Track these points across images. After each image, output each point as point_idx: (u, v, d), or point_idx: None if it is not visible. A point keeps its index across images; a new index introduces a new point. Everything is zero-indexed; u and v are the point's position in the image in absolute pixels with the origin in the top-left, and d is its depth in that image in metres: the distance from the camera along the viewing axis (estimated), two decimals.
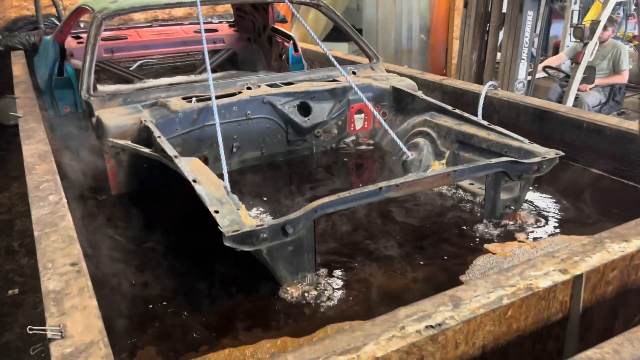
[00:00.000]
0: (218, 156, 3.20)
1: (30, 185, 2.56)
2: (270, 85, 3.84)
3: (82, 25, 7.30)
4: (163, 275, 2.60)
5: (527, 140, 3.00)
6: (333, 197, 2.34)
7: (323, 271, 2.50)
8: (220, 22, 6.72)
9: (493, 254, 2.56)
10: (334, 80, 4.01)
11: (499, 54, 6.49)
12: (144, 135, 3.21)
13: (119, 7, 3.93)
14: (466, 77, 6.65)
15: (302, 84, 3.83)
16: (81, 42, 6.00)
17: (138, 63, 7.07)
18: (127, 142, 3.14)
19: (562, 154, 2.85)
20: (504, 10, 6.30)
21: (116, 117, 3.27)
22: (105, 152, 3.25)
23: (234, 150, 3.56)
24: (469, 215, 2.97)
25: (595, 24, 6.67)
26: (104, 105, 3.48)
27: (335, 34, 10.42)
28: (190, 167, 2.68)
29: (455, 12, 10.37)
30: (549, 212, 3.00)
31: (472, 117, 3.32)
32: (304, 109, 3.73)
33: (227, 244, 2.13)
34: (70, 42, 5.59)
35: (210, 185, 2.50)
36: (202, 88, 3.71)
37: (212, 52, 6.78)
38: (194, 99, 3.54)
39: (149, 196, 3.30)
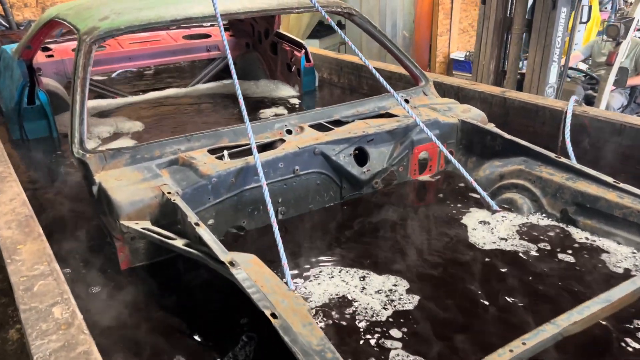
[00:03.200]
0: (258, 227, 2.66)
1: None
2: (315, 127, 3.03)
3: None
4: None
5: None
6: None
7: None
8: (212, 26, 5.78)
9: None
10: (389, 115, 3.23)
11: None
12: (168, 211, 2.37)
13: (111, 27, 3.03)
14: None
15: (356, 124, 3.04)
16: (51, 56, 5.01)
17: (115, 73, 6.11)
18: (148, 226, 2.30)
19: None
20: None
21: (128, 189, 2.41)
22: (115, 235, 2.41)
23: (280, 215, 2.76)
24: None
25: (629, 21, 6.07)
26: (105, 166, 2.62)
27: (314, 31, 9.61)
28: (254, 277, 1.88)
29: (439, 7, 9.70)
30: None
31: (589, 171, 2.61)
32: (360, 156, 2.94)
33: None
34: (37, 56, 4.60)
35: (295, 320, 1.71)
36: (231, 135, 2.87)
37: (205, 62, 5.88)
38: (225, 154, 2.71)
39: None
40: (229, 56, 2.88)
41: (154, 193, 2.39)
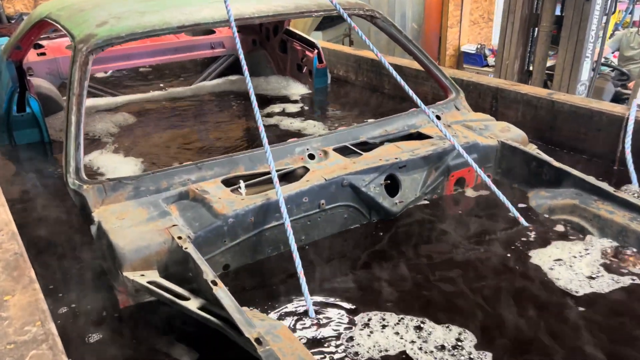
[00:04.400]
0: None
1: None
2: (340, 150, 2.70)
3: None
4: None
5: None
6: None
7: None
8: None
9: None
10: (421, 135, 2.90)
11: None
12: (178, 259, 2.05)
13: (110, 34, 2.67)
14: None
15: (386, 148, 2.70)
16: (43, 54, 4.63)
17: (109, 72, 5.74)
18: (156, 279, 1.97)
19: None
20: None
21: (132, 232, 2.08)
22: (117, 286, 2.08)
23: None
24: None
25: None
26: (105, 200, 2.28)
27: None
28: (285, 355, 1.57)
29: None
30: None
31: None
32: (391, 184, 2.62)
33: None
34: (27, 54, 4.22)
35: None
36: (246, 161, 2.54)
37: (210, 60, 5.51)
38: (242, 186, 2.38)
39: None
40: (246, 70, 2.54)
41: (162, 237, 2.07)
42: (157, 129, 4.27)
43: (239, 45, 2.62)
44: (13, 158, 3.80)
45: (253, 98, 2.42)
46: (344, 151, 2.72)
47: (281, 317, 2.02)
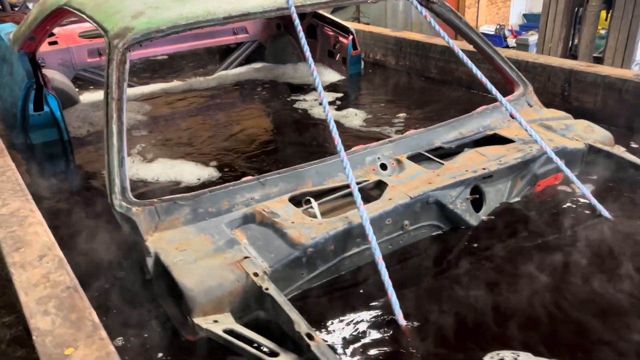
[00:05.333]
0: None
1: None
2: (414, 158, 2.39)
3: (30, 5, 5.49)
4: None
5: None
6: None
7: None
8: None
9: None
10: (499, 138, 2.59)
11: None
12: (255, 298, 1.74)
13: (149, 27, 2.32)
14: None
15: (469, 155, 2.39)
16: (54, 43, 4.25)
17: None
18: (233, 327, 1.67)
19: None
20: None
21: (199, 268, 1.77)
22: (185, 335, 1.78)
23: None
24: None
25: None
26: (159, 225, 1.97)
27: None
28: None
29: None
30: None
31: None
32: (473, 195, 2.31)
33: None
34: None
35: None
36: (313, 175, 2.22)
37: (234, 47, 5.14)
38: (315, 207, 2.06)
39: None
40: (312, 64, 2.21)
41: (234, 274, 1.75)
42: (180, 124, 3.94)
43: (302, 36, 2.29)
44: (32, 159, 3.46)
45: (325, 104, 2.10)
46: (417, 159, 2.41)
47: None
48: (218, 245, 1.87)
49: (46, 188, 3.06)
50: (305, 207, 2.08)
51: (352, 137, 3.41)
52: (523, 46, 8.26)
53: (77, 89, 4.43)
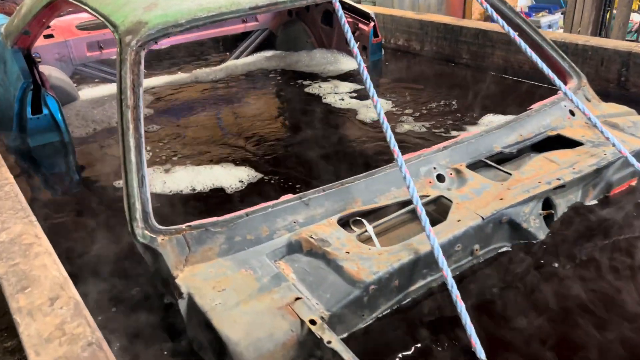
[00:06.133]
0: None
1: None
2: (473, 167, 2.09)
3: None
4: None
5: None
6: None
7: None
8: None
9: None
10: (564, 139, 2.29)
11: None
12: (313, 351, 1.46)
13: (166, 21, 2.00)
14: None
15: (538, 162, 2.09)
16: (50, 36, 3.91)
17: None
18: None
19: None
20: None
21: (243, 314, 1.47)
22: None
23: None
24: None
25: None
26: (190, 257, 1.67)
27: None
28: None
29: None
30: None
31: None
32: (544, 209, 2.01)
33: None
34: None
35: None
36: (362, 190, 1.92)
37: (239, 36, 4.80)
38: (372, 234, 1.77)
39: None
40: (361, 63, 1.89)
41: (287, 322, 1.46)
42: (190, 120, 3.62)
43: (347, 28, 1.98)
44: (31, 165, 3.15)
45: (380, 110, 1.79)
46: (477, 166, 2.11)
47: None
48: (262, 283, 1.58)
49: (49, 201, 2.75)
50: (358, 231, 1.78)
51: (377, 131, 3.12)
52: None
53: (75, 85, 4.11)
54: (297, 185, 2.58)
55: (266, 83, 4.23)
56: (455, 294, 1.51)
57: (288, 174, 2.75)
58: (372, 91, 1.86)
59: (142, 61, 1.95)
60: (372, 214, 1.88)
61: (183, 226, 1.73)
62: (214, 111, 3.85)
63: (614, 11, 4.88)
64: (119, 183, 2.73)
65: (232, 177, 2.71)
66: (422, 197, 1.92)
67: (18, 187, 2.21)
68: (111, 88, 4.14)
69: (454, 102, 3.47)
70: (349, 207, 1.86)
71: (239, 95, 4.07)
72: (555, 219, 2.01)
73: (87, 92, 4.14)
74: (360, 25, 4.11)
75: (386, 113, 3.35)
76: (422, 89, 3.76)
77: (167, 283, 1.67)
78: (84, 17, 3.99)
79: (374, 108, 1.85)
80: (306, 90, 3.86)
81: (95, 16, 2.28)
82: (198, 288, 1.57)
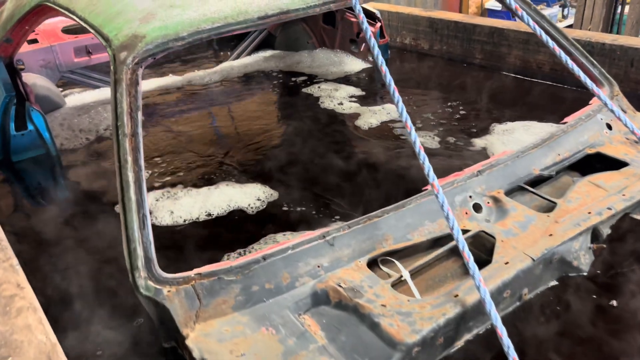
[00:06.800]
0: None
1: None
2: (512, 193, 1.88)
3: None
4: None
5: None
6: None
7: None
8: None
9: None
10: (605, 160, 2.08)
11: None
12: None
13: (166, 34, 1.77)
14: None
15: (583, 188, 1.88)
16: (34, 41, 3.64)
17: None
18: None
19: None
20: None
21: None
22: None
23: None
24: None
25: None
26: (200, 312, 1.45)
27: None
28: None
29: None
30: None
31: None
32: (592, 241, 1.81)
33: None
34: None
35: None
36: (392, 225, 1.70)
37: (235, 38, 4.56)
38: (407, 278, 1.56)
39: None
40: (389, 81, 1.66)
41: None
42: (185, 129, 3.39)
43: (369, 34, 1.74)
44: (12, 185, 2.90)
45: (414, 135, 1.57)
46: (515, 193, 1.90)
47: None
48: (287, 346, 1.36)
49: (34, 233, 2.48)
50: (391, 275, 1.57)
51: (394, 140, 2.91)
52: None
53: (61, 90, 3.85)
54: (319, 204, 2.37)
55: (265, 86, 4.00)
56: (513, 356, 1.30)
57: (305, 189, 2.53)
58: (404, 115, 1.64)
59: (140, 81, 1.72)
60: (406, 253, 1.67)
61: (192, 274, 1.51)
62: (208, 119, 3.62)
63: (626, 7, 4.68)
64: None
65: (247, 195, 2.48)
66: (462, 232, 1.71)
67: None
68: (98, 94, 3.90)
69: (469, 107, 3.27)
70: (379, 247, 1.65)
71: (236, 98, 3.84)
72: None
73: (74, 99, 3.89)
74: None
75: (396, 121, 3.16)
76: (433, 92, 3.55)
77: (175, 337, 1.46)
78: (69, 19, 3.72)
79: (408, 134, 1.63)
80: (306, 91, 3.65)
81: (83, 26, 2.04)
82: (213, 353, 1.35)
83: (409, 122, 1.64)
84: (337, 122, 3.28)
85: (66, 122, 3.54)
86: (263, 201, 2.46)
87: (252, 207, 2.43)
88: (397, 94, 1.70)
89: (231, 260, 1.56)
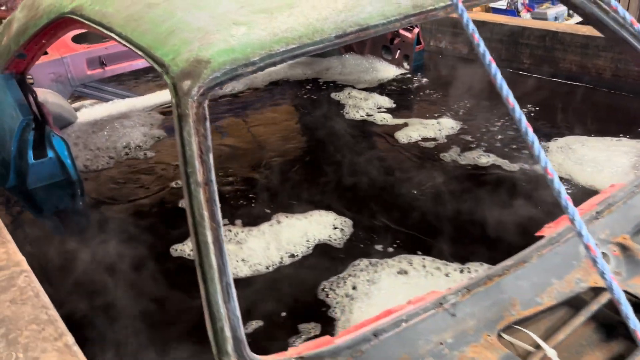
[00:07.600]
0: None
1: None
2: (636, 237, 1.63)
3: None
4: None
5: None
6: None
7: None
8: None
9: None
10: None
11: None
12: None
13: (235, 58, 1.48)
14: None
15: None
16: (44, 53, 3.29)
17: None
18: None
19: None
20: None
21: None
22: None
23: None
24: None
25: None
26: None
27: None
28: None
29: None
30: None
31: None
32: None
33: None
34: None
35: None
36: (513, 285, 1.44)
37: None
38: (550, 355, 1.29)
39: None
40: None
41: None
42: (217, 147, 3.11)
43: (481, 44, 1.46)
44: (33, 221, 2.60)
45: (545, 160, 1.30)
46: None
47: None
48: None
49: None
50: (533, 354, 1.30)
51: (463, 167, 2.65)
52: (541, 20, 7.61)
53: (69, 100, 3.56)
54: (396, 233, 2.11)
55: (293, 96, 3.72)
56: None
57: (372, 217, 2.27)
58: (531, 136, 1.36)
59: (207, 115, 1.43)
60: (536, 320, 1.40)
61: (291, 357, 1.23)
62: (239, 137, 3.34)
63: None
64: (177, 250, 2.21)
65: (322, 226, 2.20)
66: (592, 290, 1.45)
67: (35, 276, 1.67)
68: (110, 108, 3.61)
69: (531, 118, 3.01)
70: (507, 314, 1.38)
71: (260, 109, 3.57)
72: None
73: (85, 113, 3.58)
74: (402, 32, 3.61)
75: (451, 138, 2.89)
76: (481, 102, 3.28)
77: None
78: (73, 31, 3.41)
79: (539, 162, 1.36)
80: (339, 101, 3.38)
81: (127, 47, 1.74)
82: None
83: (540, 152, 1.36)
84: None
85: (81, 141, 3.25)
86: (342, 229, 2.19)
87: (334, 239, 2.15)
88: (525, 123, 1.42)
89: (334, 337, 1.29)
